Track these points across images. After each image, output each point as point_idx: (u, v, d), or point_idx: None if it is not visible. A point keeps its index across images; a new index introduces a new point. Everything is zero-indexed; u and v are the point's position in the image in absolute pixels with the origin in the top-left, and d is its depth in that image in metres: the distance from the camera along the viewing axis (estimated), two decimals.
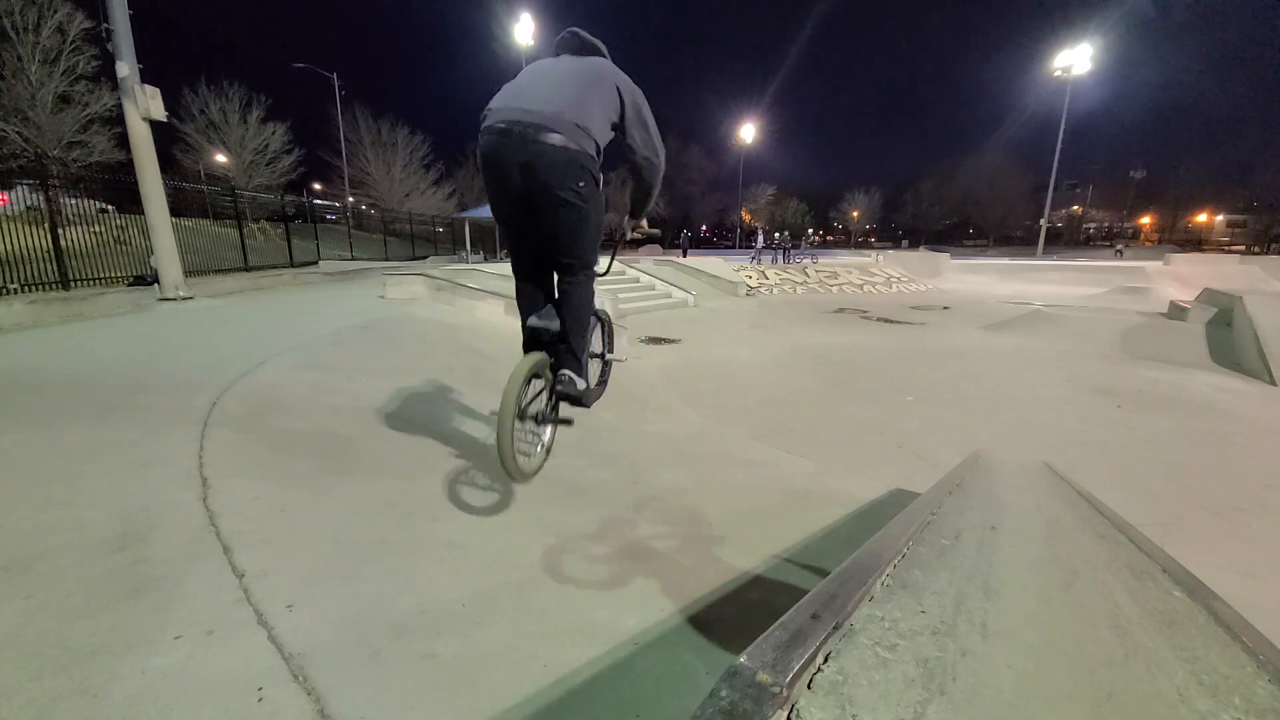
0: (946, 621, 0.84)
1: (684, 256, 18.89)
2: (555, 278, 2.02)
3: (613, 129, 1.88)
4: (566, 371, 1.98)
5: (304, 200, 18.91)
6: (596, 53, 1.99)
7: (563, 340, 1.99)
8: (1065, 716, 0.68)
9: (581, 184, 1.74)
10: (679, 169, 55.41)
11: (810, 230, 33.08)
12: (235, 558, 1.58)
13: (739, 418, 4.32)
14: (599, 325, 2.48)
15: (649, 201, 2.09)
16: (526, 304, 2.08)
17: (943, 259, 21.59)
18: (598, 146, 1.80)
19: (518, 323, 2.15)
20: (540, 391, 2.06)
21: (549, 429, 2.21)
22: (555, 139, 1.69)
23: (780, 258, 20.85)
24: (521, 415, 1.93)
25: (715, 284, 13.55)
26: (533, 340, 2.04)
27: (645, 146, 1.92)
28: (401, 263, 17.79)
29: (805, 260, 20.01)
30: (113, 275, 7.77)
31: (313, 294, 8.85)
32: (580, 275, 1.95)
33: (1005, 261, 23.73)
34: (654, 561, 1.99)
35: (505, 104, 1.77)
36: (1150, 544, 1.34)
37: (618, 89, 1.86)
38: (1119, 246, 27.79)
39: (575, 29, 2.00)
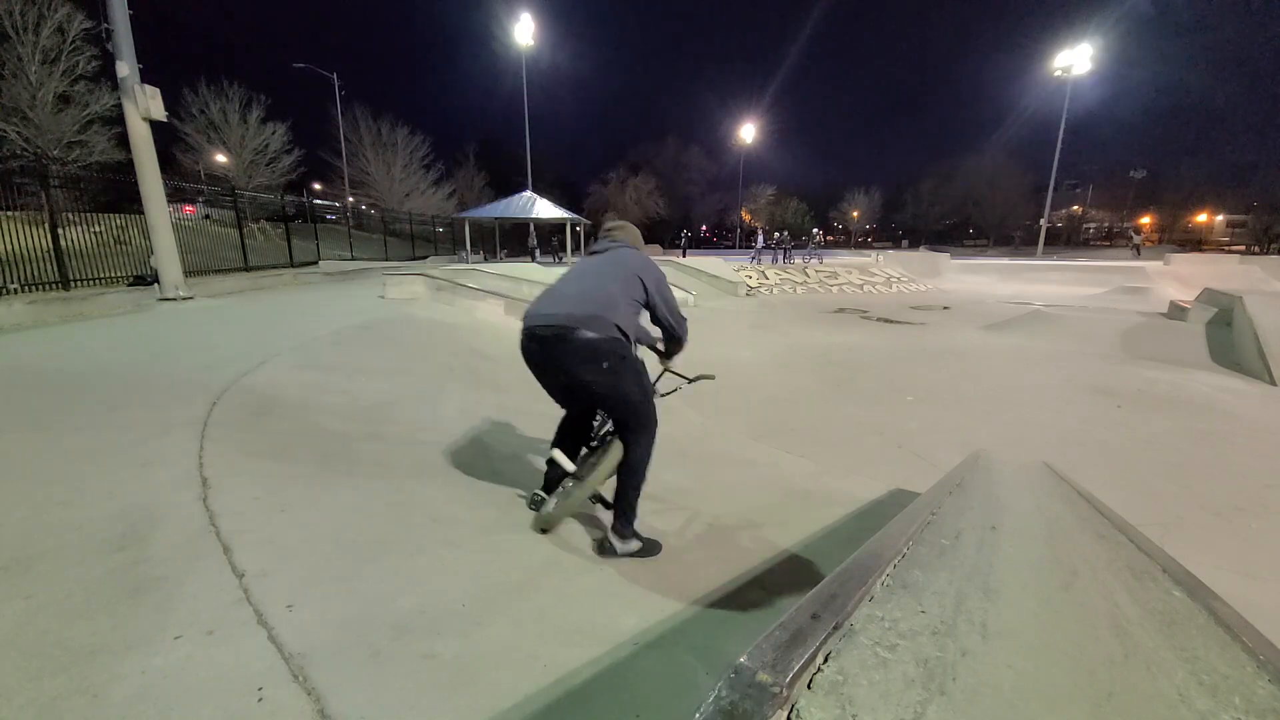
0: (946, 621, 0.84)
1: (684, 256, 18.87)
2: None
3: (643, 306, 2.14)
4: (612, 540, 2.03)
5: (304, 200, 18.90)
6: (625, 238, 2.31)
7: (616, 499, 2.08)
8: (1065, 716, 0.68)
9: (607, 364, 1.93)
10: (679, 169, 55.36)
11: (816, 230, 32.81)
12: (235, 558, 1.58)
13: (739, 418, 4.32)
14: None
15: (678, 349, 2.43)
16: (565, 439, 2.26)
17: (943, 259, 21.53)
18: (623, 329, 1.99)
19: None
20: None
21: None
22: (585, 335, 1.90)
23: (780, 258, 20.80)
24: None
25: (715, 284, 13.54)
26: (551, 480, 2.20)
27: (670, 315, 2.22)
28: (401, 263, 17.79)
29: (812, 260, 19.95)
30: (113, 275, 7.77)
31: (313, 294, 8.85)
32: (630, 433, 2.05)
33: (1005, 261, 23.70)
34: (653, 562, 1.99)
35: (541, 310, 2.03)
36: (1150, 544, 1.34)
37: (640, 278, 2.10)
38: (1135, 241, 27.35)
39: (611, 224, 2.35)
